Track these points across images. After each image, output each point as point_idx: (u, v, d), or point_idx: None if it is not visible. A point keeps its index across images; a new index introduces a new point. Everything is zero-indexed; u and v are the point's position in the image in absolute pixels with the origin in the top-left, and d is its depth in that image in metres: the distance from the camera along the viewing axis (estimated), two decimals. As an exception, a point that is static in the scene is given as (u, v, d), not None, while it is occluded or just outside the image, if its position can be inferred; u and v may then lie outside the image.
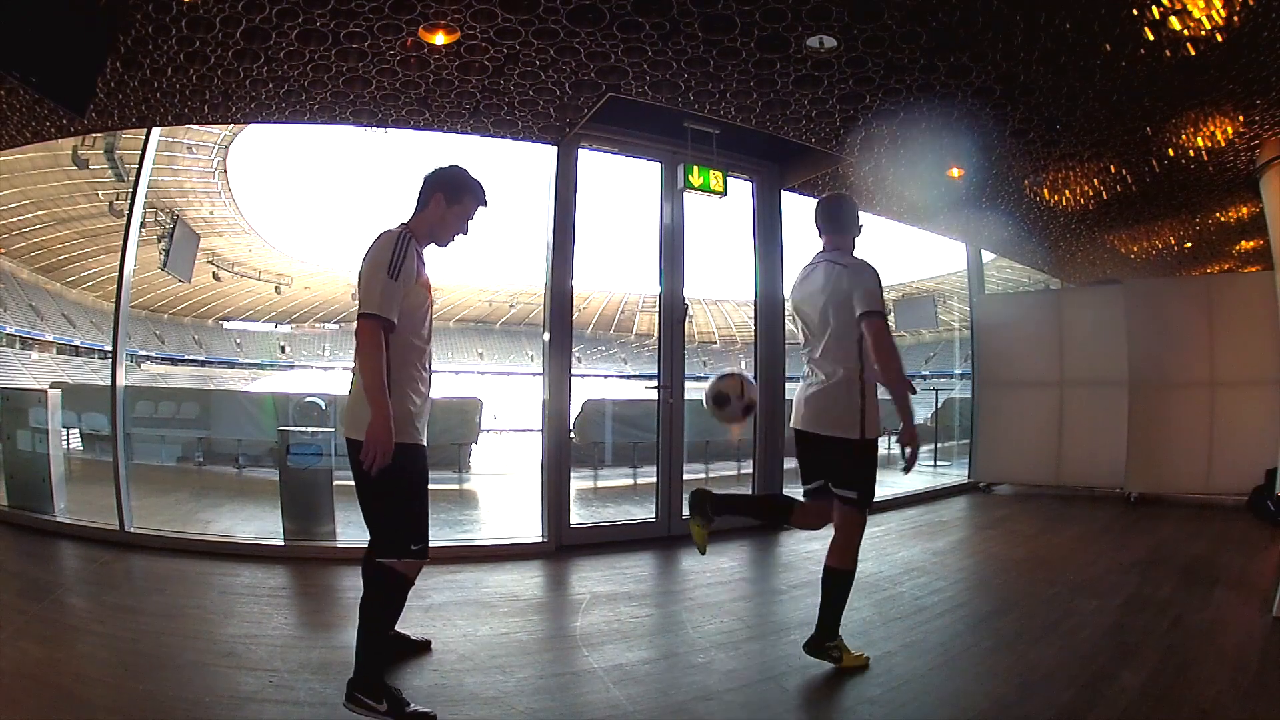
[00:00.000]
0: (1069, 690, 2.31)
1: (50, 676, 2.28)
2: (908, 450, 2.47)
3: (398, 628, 2.47)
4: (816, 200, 2.92)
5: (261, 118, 4.06)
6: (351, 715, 2.09)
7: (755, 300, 5.25)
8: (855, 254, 2.81)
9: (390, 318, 2.12)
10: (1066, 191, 5.42)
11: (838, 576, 2.59)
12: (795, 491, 2.87)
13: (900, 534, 4.86)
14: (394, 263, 2.14)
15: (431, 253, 2.41)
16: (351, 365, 2.21)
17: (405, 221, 2.31)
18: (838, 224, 2.83)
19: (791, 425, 2.75)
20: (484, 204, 2.38)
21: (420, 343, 2.26)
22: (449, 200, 2.31)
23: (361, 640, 2.17)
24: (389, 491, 2.16)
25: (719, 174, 4.63)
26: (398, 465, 2.11)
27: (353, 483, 2.19)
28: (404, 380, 2.20)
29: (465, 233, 2.39)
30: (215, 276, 31.67)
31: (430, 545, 2.25)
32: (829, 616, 2.57)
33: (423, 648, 2.65)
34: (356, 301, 2.23)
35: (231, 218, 28.32)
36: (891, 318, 3.52)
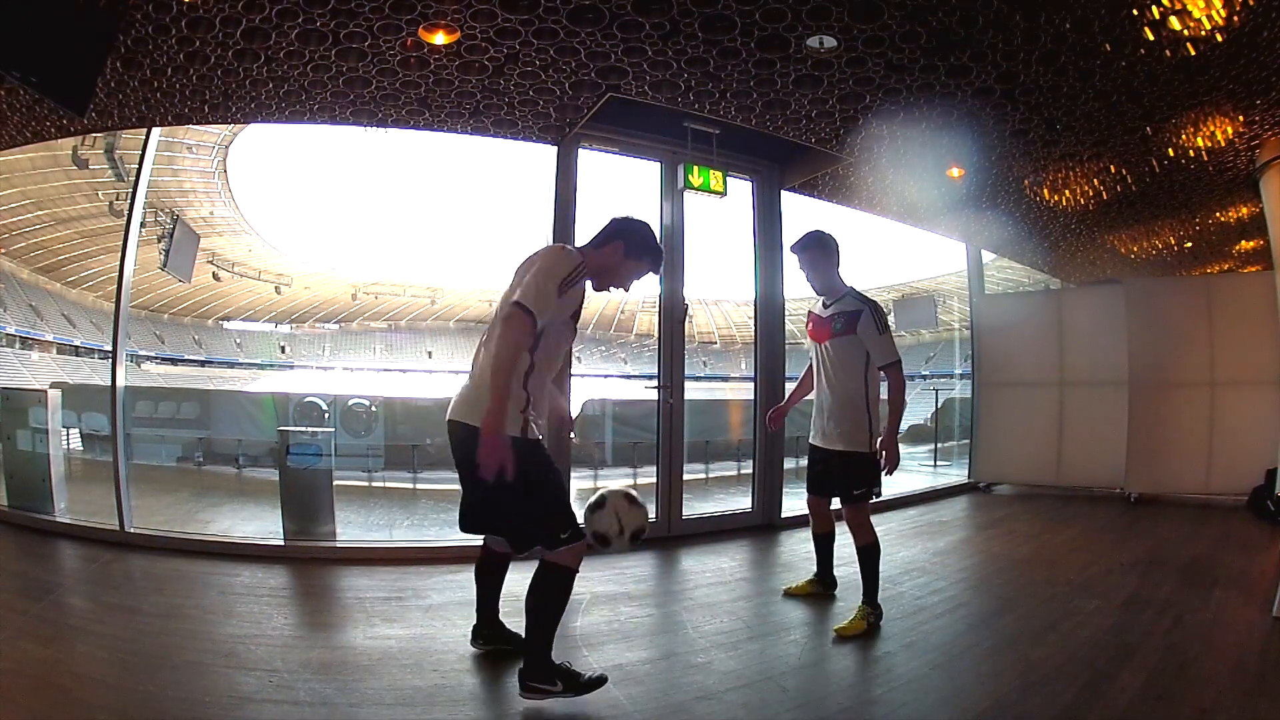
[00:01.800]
0: (1069, 690, 2.31)
1: (50, 676, 2.28)
2: (883, 454, 3.00)
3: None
4: (796, 247, 3.15)
5: (261, 118, 4.06)
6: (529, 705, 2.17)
7: (755, 300, 5.25)
8: (852, 290, 3.16)
9: (542, 320, 2.11)
10: (1066, 191, 5.42)
11: (870, 551, 3.05)
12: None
13: (900, 534, 4.86)
14: (569, 278, 2.15)
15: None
16: (476, 357, 2.26)
17: (582, 249, 2.33)
18: (826, 273, 3.15)
19: (811, 442, 3.24)
20: (655, 271, 2.40)
21: (549, 371, 2.28)
22: (628, 253, 2.33)
23: (532, 635, 2.19)
24: (528, 489, 2.12)
25: (719, 174, 4.63)
26: (531, 461, 2.11)
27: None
28: (536, 383, 2.22)
29: (624, 289, 2.41)
30: (215, 276, 31.67)
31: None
32: (871, 587, 3.03)
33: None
34: (500, 300, 2.27)
35: (231, 218, 28.33)
36: (891, 318, 3.63)
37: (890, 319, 3.13)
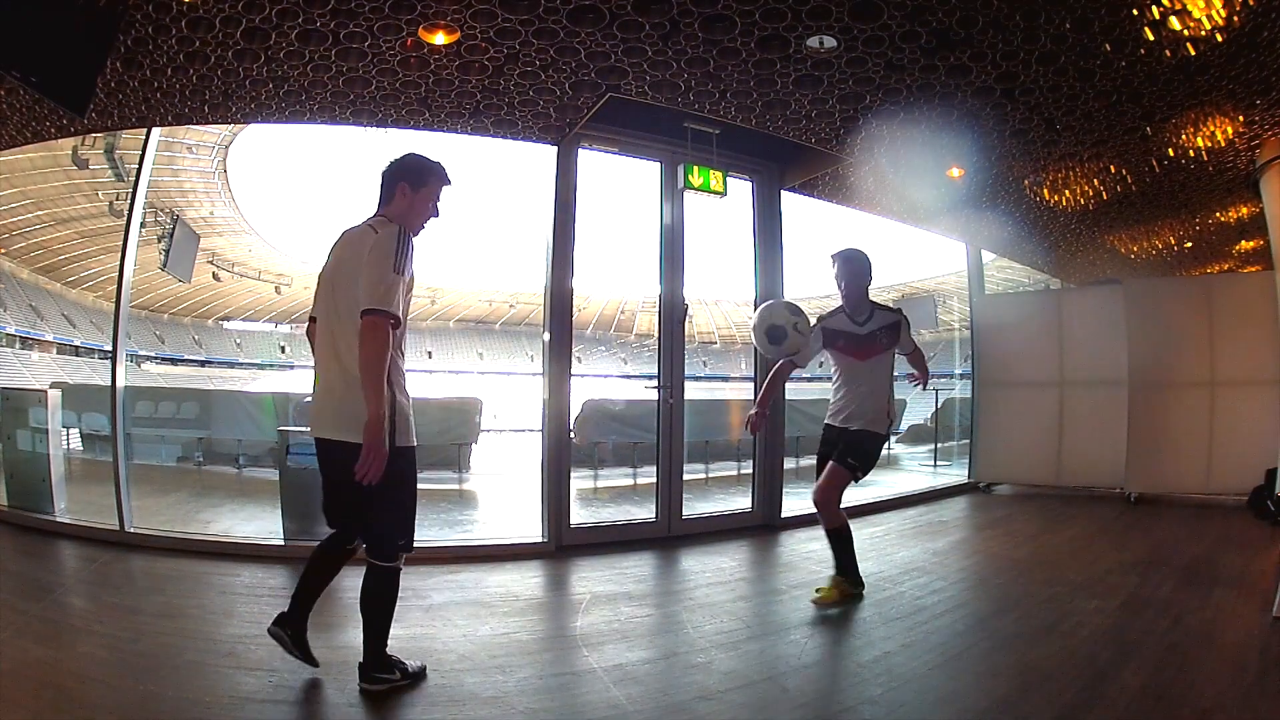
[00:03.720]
0: (1069, 690, 2.31)
1: (50, 676, 2.28)
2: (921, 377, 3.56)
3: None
4: (844, 255, 3.35)
5: (261, 118, 4.06)
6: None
7: (755, 300, 5.25)
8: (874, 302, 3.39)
9: (399, 314, 2.11)
10: (1066, 191, 5.42)
11: (838, 535, 3.31)
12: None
13: (900, 534, 4.86)
14: (399, 257, 2.11)
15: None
16: (326, 362, 2.21)
17: (375, 217, 2.28)
18: (862, 289, 3.36)
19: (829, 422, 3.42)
20: (448, 182, 2.36)
21: (403, 341, 2.27)
22: (414, 187, 2.30)
23: (371, 632, 2.26)
24: (387, 493, 2.13)
25: (719, 174, 4.63)
26: (398, 469, 2.12)
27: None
28: (400, 380, 2.21)
29: (436, 215, 2.37)
30: (215, 276, 31.66)
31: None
32: (845, 562, 3.32)
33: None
34: (336, 299, 2.22)
35: (231, 218, 28.31)
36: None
37: None
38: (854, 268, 3.30)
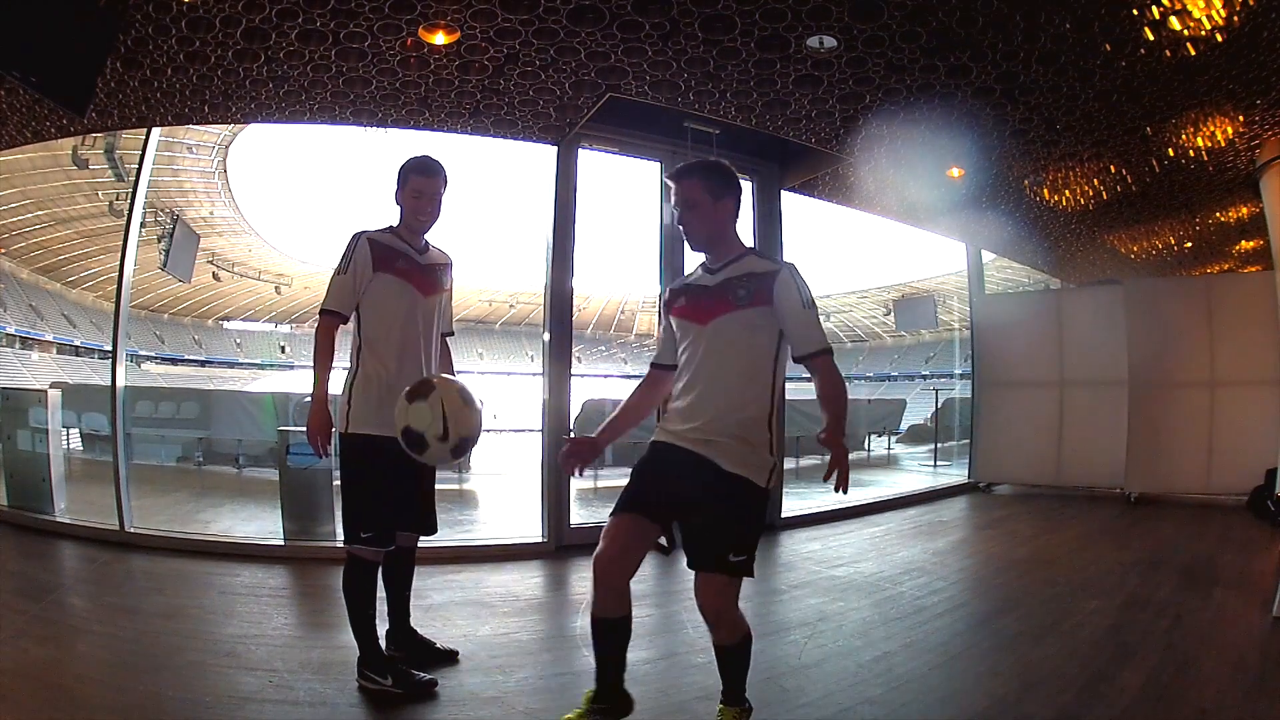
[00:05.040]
0: (1069, 690, 2.31)
1: (50, 676, 2.27)
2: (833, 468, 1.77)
3: (423, 633, 2.58)
4: (674, 174, 2.13)
5: (261, 118, 4.06)
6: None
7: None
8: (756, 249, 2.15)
9: (337, 310, 2.27)
10: (1066, 191, 5.42)
11: (737, 651, 2.00)
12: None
13: (900, 534, 4.86)
14: (342, 259, 2.29)
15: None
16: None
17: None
18: (716, 219, 2.07)
19: None
20: (421, 174, 2.35)
21: (390, 332, 2.31)
22: (398, 188, 2.38)
23: (351, 624, 2.29)
24: (343, 480, 2.31)
25: (719, 174, 4.63)
26: (344, 456, 2.26)
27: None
28: (369, 372, 2.28)
29: (428, 210, 2.37)
30: (215, 276, 31.66)
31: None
32: (737, 683, 2.00)
33: (448, 657, 2.56)
34: None
35: (231, 218, 28.31)
36: (891, 318, 3.55)
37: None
38: (683, 188, 2.04)
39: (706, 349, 1.92)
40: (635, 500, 1.95)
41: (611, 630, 1.96)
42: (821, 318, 2.00)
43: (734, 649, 1.95)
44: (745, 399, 1.88)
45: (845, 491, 1.76)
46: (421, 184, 2.34)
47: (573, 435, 4.36)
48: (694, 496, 1.85)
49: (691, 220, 2.02)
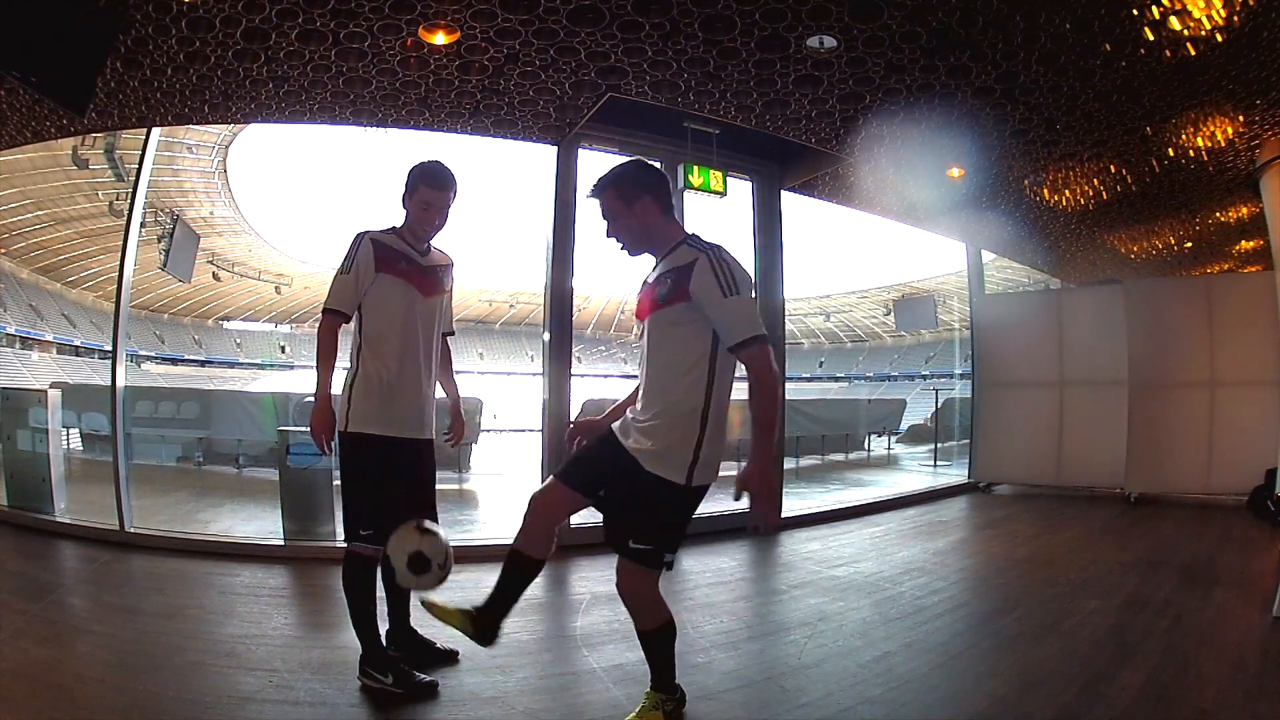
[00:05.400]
0: (1069, 690, 2.31)
1: (50, 676, 2.27)
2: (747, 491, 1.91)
3: (423, 634, 2.57)
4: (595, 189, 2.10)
5: (261, 118, 4.07)
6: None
7: (755, 300, 5.25)
8: (693, 236, 2.06)
9: (340, 309, 2.29)
10: (1066, 191, 5.42)
11: (658, 635, 2.19)
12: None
13: (900, 534, 4.86)
14: (345, 259, 2.31)
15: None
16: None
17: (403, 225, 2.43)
18: (642, 219, 2.04)
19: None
20: (432, 187, 2.35)
21: (391, 332, 2.32)
22: (408, 194, 2.37)
23: (352, 619, 2.31)
24: (343, 478, 2.33)
25: (719, 174, 4.63)
26: (344, 454, 2.27)
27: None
28: (369, 372, 2.30)
29: (434, 221, 2.37)
30: (215, 276, 31.66)
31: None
32: (664, 670, 2.13)
33: (448, 657, 2.57)
34: None
35: (231, 218, 28.31)
36: (891, 318, 3.55)
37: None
38: (606, 198, 2.01)
39: (647, 344, 2.01)
40: (567, 473, 2.13)
41: (523, 567, 2.16)
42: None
43: (650, 635, 2.09)
44: (677, 396, 1.92)
45: (766, 531, 1.71)
46: (431, 196, 2.34)
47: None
48: (612, 483, 2.02)
49: (617, 230, 2.03)
